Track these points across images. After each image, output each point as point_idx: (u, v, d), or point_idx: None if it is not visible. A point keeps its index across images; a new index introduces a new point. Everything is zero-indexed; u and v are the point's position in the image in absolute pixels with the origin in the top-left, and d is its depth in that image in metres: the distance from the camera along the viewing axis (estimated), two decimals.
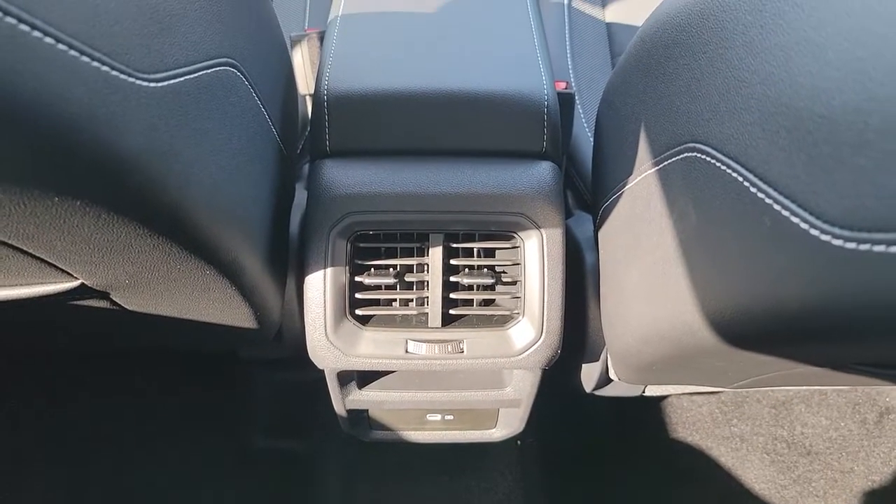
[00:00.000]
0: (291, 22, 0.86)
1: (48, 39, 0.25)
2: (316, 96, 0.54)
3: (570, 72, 0.80)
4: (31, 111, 0.25)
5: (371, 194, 0.51)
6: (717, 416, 0.94)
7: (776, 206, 0.29)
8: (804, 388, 0.87)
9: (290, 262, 0.58)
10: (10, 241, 0.33)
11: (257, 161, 0.45)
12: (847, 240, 0.26)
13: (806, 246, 0.28)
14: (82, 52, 0.26)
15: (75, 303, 0.44)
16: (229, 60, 0.40)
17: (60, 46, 0.25)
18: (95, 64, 0.27)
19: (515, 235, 0.53)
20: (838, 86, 0.27)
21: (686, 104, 0.38)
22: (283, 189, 0.53)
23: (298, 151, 0.74)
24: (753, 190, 0.31)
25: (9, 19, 0.23)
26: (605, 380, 0.66)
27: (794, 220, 0.28)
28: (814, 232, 0.27)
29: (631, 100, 0.47)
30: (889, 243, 0.24)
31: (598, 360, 0.64)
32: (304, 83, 0.71)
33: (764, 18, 0.32)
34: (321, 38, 0.69)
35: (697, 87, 0.37)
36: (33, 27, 0.24)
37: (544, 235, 0.52)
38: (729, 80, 0.34)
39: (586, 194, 0.70)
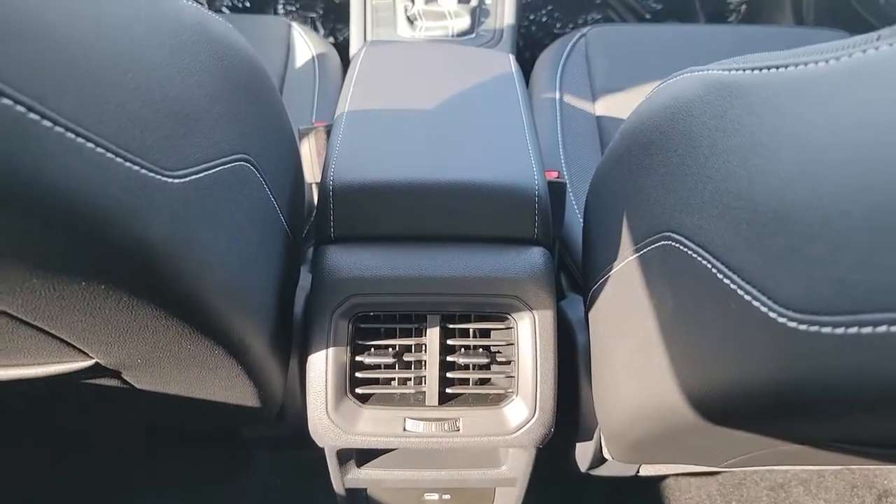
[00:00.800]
0: (300, 115, 0.91)
1: (89, 144, 0.28)
2: (322, 186, 0.58)
3: (562, 161, 0.85)
4: (72, 206, 0.28)
5: (372, 278, 0.54)
6: (715, 497, 0.93)
7: (740, 292, 0.32)
8: (801, 468, 0.87)
9: (293, 343, 0.60)
10: (34, 322, 0.36)
11: (267, 247, 0.48)
12: (801, 322, 0.28)
13: (767, 329, 0.30)
14: (117, 154, 0.30)
15: (87, 381, 0.46)
16: (244, 156, 0.44)
17: (99, 150, 0.29)
18: (128, 164, 0.31)
19: (509, 317, 0.56)
20: (789, 184, 0.30)
21: (661, 197, 0.41)
22: (289, 273, 0.56)
23: (304, 235, 0.78)
24: (720, 276, 0.34)
25: (57, 128, 0.27)
26: (599, 459, 0.67)
27: (756, 304, 0.31)
28: (772, 315, 0.30)
29: (614, 191, 0.51)
30: (835, 325, 0.27)
31: (591, 439, 0.65)
32: (311, 172, 0.75)
33: (725, 123, 0.35)
34: (327, 130, 0.74)
35: (670, 182, 0.40)
36: (77, 134, 0.27)
37: (536, 317, 0.55)
38: (696, 177, 0.37)
39: (578, 277, 0.73)
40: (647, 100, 0.44)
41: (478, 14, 1.07)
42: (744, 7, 1.69)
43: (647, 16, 1.72)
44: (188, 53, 0.38)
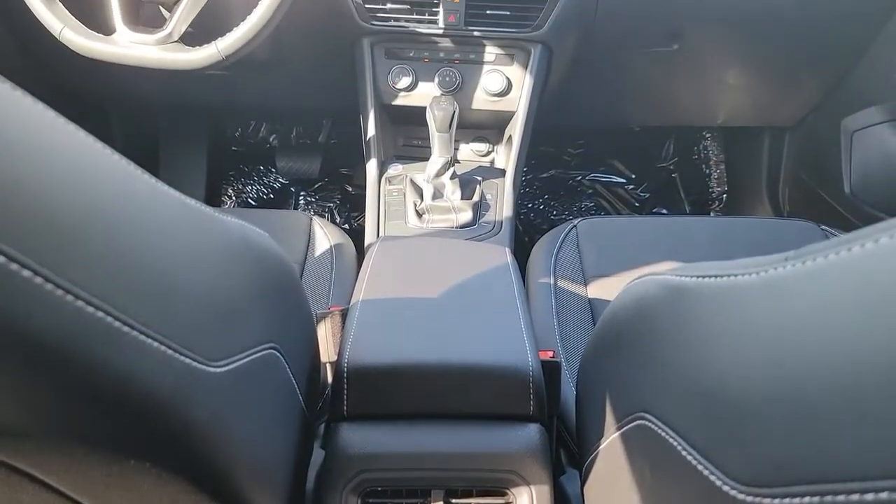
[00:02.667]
0: (318, 299, 1.00)
1: (157, 344, 0.35)
2: (338, 367, 0.64)
3: (558, 341, 0.91)
4: (132, 393, 0.34)
5: (382, 454, 0.59)
6: None
7: (699, 467, 0.37)
8: None
9: None
10: (77, 497, 0.40)
11: (286, 425, 0.54)
12: (748, 494, 0.33)
13: (724, 501, 0.35)
14: (176, 351, 0.37)
15: None
16: (273, 344, 0.50)
17: (163, 348, 0.35)
18: (182, 358, 0.37)
19: (508, 491, 0.59)
20: (725, 375, 0.36)
21: (634, 380, 0.47)
22: (304, 448, 0.61)
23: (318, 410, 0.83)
24: (684, 453, 0.39)
25: (134, 332, 0.33)
26: None
27: (712, 478, 0.36)
28: (725, 488, 0.35)
29: (598, 373, 0.57)
30: (773, 496, 0.32)
31: None
32: (326, 353, 0.82)
33: (678, 320, 0.42)
34: (343, 314, 0.81)
35: (640, 367, 0.46)
36: (148, 336, 0.34)
37: (534, 492, 0.59)
38: (660, 364, 0.43)
39: (576, 453, 0.76)
40: (618, 297, 0.52)
41: (479, 208, 1.19)
42: (725, 196, 1.85)
43: (636, 203, 1.87)
44: (235, 261, 0.46)
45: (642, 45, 1.29)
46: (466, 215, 1.16)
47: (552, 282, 1.00)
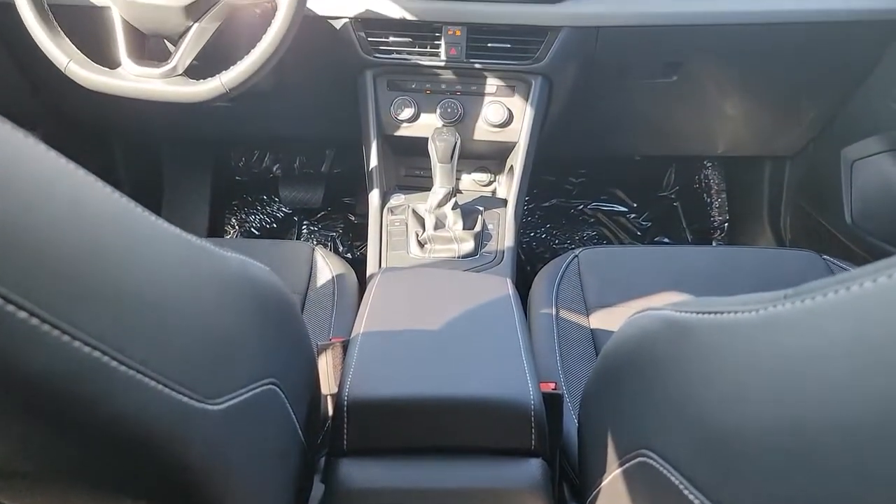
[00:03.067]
0: (320, 329, 1.00)
1: (151, 382, 0.35)
2: (338, 402, 0.63)
3: (560, 373, 0.91)
4: (126, 432, 0.34)
5: (381, 490, 0.58)
6: None
7: None
8: None
9: None
10: None
11: (285, 461, 0.53)
12: None
13: None
14: (172, 388, 0.36)
15: None
16: (272, 380, 0.50)
17: (159, 386, 0.35)
18: (178, 395, 0.37)
19: None
20: (725, 411, 0.36)
21: (636, 416, 0.47)
22: (304, 483, 0.60)
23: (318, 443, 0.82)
24: (686, 492, 0.39)
25: (130, 371, 0.33)
26: None
27: None
28: None
29: (599, 408, 0.56)
30: None
31: None
32: (327, 385, 0.81)
33: (679, 356, 0.42)
34: (344, 346, 0.81)
35: (641, 403, 0.46)
36: (144, 374, 0.34)
37: None
38: (661, 401, 0.43)
39: (579, 488, 0.75)
40: (619, 331, 0.52)
41: (481, 238, 1.20)
42: (726, 225, 1.85)
43: (638, 232, 1.88)
44: (234, 297, 0.46)
45: (642, 76, 1.30)
46: (468, 245, 1.16)
47: (554, 312, 1.00)
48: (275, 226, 1.91)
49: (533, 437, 0.62)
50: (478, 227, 1.20)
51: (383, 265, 1.19)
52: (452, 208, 1.18)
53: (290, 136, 1.67)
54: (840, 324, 0.30)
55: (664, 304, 0.47)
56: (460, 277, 0.89)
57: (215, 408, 0.40)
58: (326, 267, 1.10)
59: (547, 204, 1.91)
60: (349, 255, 1.83)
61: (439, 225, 1.18)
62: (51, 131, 1.46)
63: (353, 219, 1.88)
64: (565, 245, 1.85)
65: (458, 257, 1.16)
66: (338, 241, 1.86)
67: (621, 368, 0.50)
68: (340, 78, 1.28)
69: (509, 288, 0.83)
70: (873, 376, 0.27)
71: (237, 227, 1.91)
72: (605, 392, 0.54)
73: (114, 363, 0.32)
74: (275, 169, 1.94)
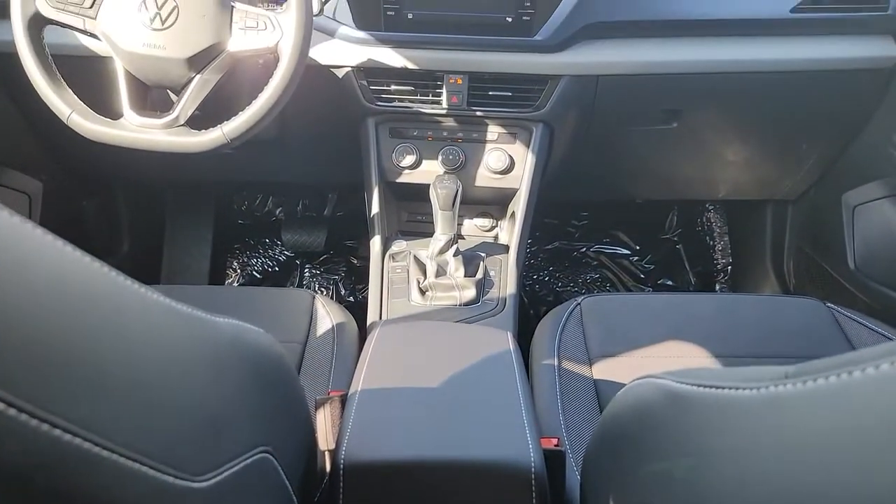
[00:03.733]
0: (318, 380, 0.98)
1: (133, 464, 0.33)
2: (333, 464, 0.62)
3: (562, 426, 0.89)
4: None
5: None
6: None
7: None
8: None
9: None
10: None
11: None
12: None
13: None
14: (154, 468, 0.35)
15: None
16: (265, 448, 0.49)
17: (139, 466, 0.34)
18: (162, 476, 0.36)
19: None
20: (725, 493, 0.35)
21: (636, 485, 0.46)
22: None
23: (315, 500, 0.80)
24: None
25: (103, 451, 0.32)
26: None
27: None
28: None
29: (600, 473, 0.55)
30: None
31: None
32: (325, 440, 0.80)
33: (679, 431, 0.41)
34: (342, 400, 0.80)
35: (642, 473, 0.45)
36: (121, 455, 0.33)
37: None
38: (658, 472, 0.42)
39: None
40: (618, 397, 0.51)
41: (483, 286, 1.19)
42: (730, 268, 1.84)
43: (642, 275, 1.87)
44: (226, 368, 0.45)
45: (641, 123, 1.31)
46: (470, 293, 1.16)
47: (556, 363, 0.99)
48: (277, 269, 1.91)
49: (534, 499, 0.61)
50: (479, 274, 1.20)
51: (384, 313, 1.18)
52: (454, 255, 1.18)
53: (293, 181, 1.68)
54: (842, 409, 0.29)
55: (666, 362, 0.46)
56: (460, 331, 0.88)
57: (203, 485, 0.39)
58: (327, 316, 1.09)
59: (550, 247, 1.90)
60: (351, 299, 1.82)
61: (441, 272, 1.18)
62: (54, 177, 1.47)
63: (355, 262, 1.88)
64: (568, 288, 1.84)
65: (460, 305, 1.15)
66: (340, 285, 1.85)
67: (621, 436, 0.48)
68: (343, 125, 1.29)
69: (510, 342, 0.82)
70: (876, 465, 0.26)
71: (239, 271, 1.90)
72: (604, 457, 0.53)
73: (96, 449, 0.31)
74: (277, 212, 1.95)
